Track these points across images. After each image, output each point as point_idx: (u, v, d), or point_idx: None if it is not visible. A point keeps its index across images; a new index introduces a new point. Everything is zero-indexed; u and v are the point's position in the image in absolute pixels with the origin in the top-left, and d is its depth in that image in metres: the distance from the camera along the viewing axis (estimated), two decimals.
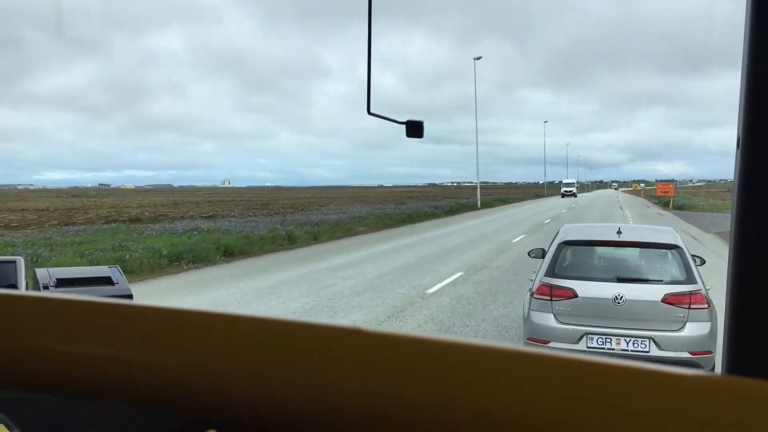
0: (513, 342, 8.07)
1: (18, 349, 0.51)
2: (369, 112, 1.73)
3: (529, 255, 9.39)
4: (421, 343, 0.46)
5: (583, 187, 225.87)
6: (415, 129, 1.81)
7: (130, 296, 1.68)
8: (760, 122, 0.98)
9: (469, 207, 53.63)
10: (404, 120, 1.80)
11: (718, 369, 1.49)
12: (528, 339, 7.40)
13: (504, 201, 72.87)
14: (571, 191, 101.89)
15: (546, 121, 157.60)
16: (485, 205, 59.58)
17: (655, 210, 50.64)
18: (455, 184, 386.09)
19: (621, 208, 52.77)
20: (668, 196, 58.56)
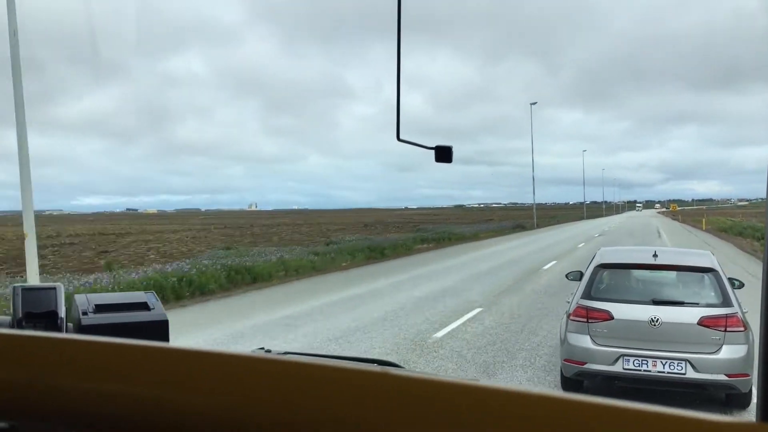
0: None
1: (54, 389, 0.52)
2: (399, 139, 1.75)
3: (566, 277, 9.72)
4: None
5: (611, 209, 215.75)
6: (444, 154, 1.81)
7: (166, 321, 1.57)
8: None
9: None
10: (433, 145, 1.81)
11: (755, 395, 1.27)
12: (565, 360, 7.60)
13: (524, 228, 65.00)
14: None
15: (585, 150, 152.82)
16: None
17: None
18: (483, 206, 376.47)
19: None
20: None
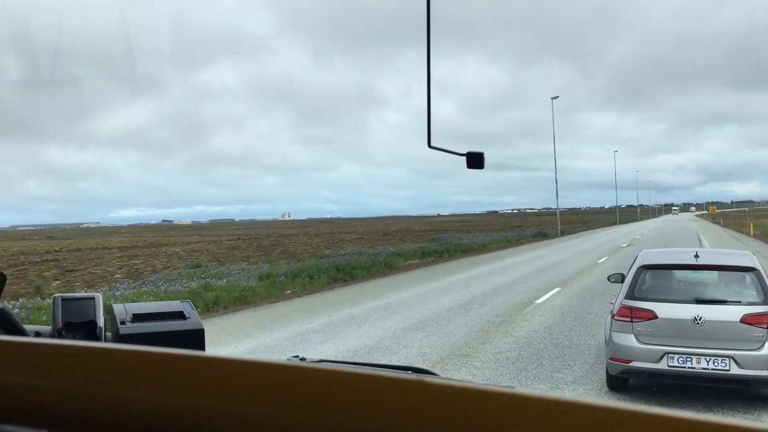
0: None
1: (93, 398, 0.53)
2: (429, 146, 1.74)
3: (608, 280, 9.66)
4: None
5: (647, 212, 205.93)
6: (475, 160, 1.80)
7: (202, 330, 1.61)
8: None
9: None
10: (465, 152, 1.80)
11: None
12: (610, 359, 7.81)
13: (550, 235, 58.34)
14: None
15: (616, 151, 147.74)
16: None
17: None
18: (516, 211, 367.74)
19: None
20: None
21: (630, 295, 7.85)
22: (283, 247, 52.00)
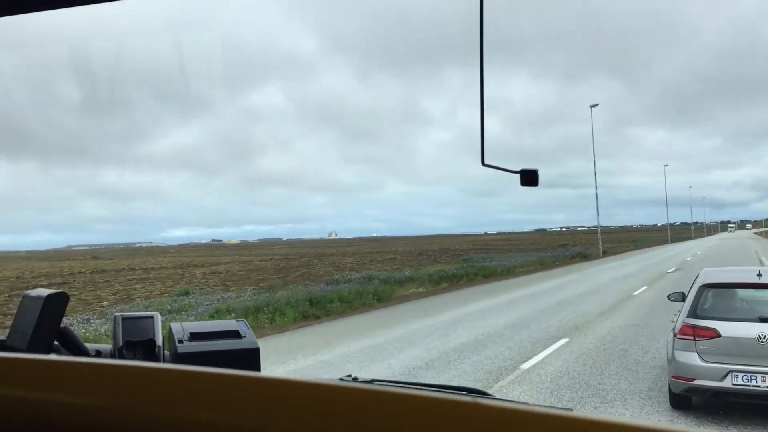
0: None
1: (152, 418, 0.54)
2: (483, 164, 1.73)
3: (668, 298, 9.67)
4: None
5: (701, 230, 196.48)
6: (529, 178, 1.76)
7: (257, 349, 1.65)
8: None
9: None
10: (518, 169, 1.77)
11: None
12: (673, 377, 7.89)
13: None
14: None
15: (666, 165, 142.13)
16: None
17: None
18: (564, 229, 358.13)
19: None
20: None
21: (692, 314, 7.96)
22: (309, 268, 49.16)
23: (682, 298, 8.69)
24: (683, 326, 7.83)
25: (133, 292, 36.44)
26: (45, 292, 1.64)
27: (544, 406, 0.43)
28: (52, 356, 0.64)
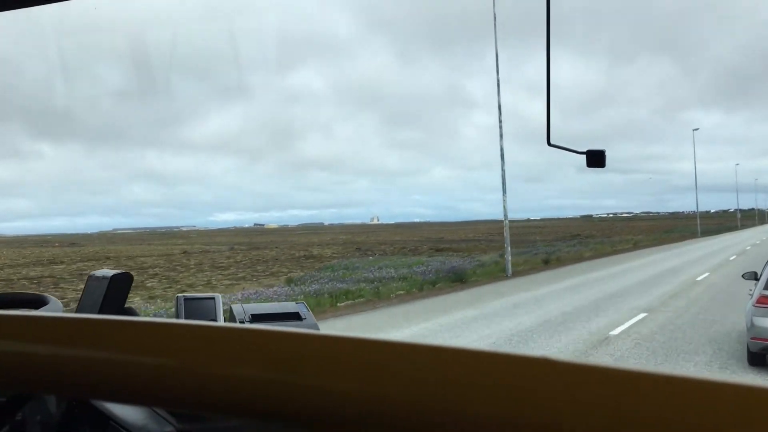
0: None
1: (214, 376, 0.54)
2: (549, 144, 1.75)
3: (743, 277, 11.65)
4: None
5: (761, 217, 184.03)
6: (596, 159, 1.78)
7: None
8: None
9: None
10: (584, 150, 1.79)
11: None
12: (752, 338, 9.49)
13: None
14: None
15: (696, 129, 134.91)
16: None
17: None
18: (610, 215, 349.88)
19: None
20: None
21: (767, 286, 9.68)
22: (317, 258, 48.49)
23: (755, 276, 10.59)
24: (760, 296, 9.52)
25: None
26: (110, 272, 1.71)
27: (617, 365, 0.43)
28: (123, 317, 0.62)
